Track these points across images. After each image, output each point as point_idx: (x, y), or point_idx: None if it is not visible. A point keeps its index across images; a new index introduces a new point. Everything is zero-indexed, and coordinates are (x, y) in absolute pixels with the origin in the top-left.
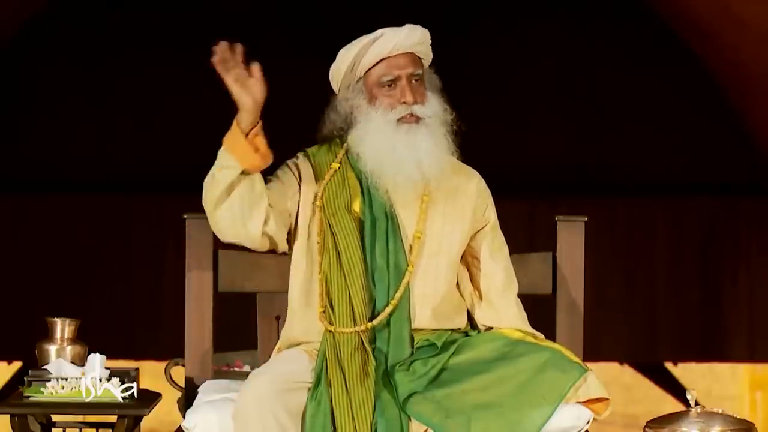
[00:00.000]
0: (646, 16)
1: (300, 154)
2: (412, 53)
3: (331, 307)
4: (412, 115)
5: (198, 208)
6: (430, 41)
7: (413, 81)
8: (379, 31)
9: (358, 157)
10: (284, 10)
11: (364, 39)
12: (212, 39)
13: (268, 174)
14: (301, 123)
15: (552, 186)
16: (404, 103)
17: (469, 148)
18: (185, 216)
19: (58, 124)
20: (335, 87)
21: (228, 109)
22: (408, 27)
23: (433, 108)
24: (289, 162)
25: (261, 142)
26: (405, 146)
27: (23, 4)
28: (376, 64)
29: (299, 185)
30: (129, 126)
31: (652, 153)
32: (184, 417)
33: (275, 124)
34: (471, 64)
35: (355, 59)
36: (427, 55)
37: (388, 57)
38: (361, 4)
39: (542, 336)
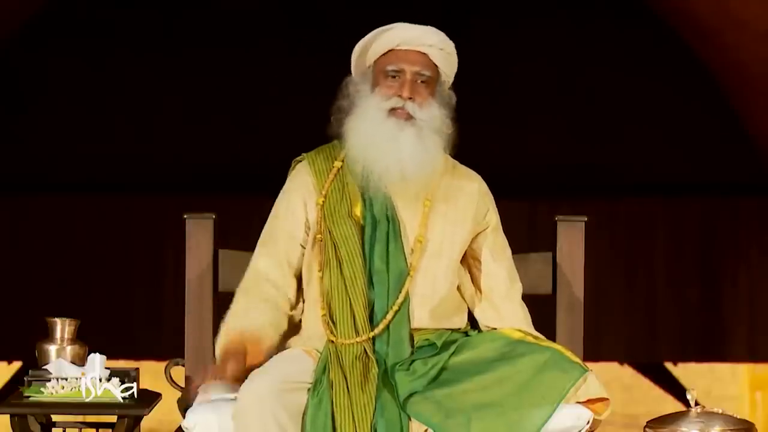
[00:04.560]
0: (646, 16)
1: (299, 164)
2: (425, 54)
3: (333, 319)
4: (403, 109)
5: (198, 208)
6: (453, 54)
7: (418, 81)
8: (393, 24)
9: (350, 147)
10: (285, 10)
11: (379, 29)
12: (213, 39)
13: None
14: (301, 122)
15: (552, 186)
16: (400, 96)
17: (470, 148)
18: (185, 216)
19: (58, 124)
20: (353, 72)
21: (227, 109)
22: (426, 27)
23: (430, 113)
24: (290, 187)
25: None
26: (387, 138)
27: (23, 4)
28: (386, 53)
29: (305, 209)
30: (129, 126)
31: (652, 153)
32: (184, 417)
33: (276, 124)
34: (471, 64)
35: (365, 46)
36: (445, 64)
37: (398, 49)
38: (361, 4)
39: (543, 338)
